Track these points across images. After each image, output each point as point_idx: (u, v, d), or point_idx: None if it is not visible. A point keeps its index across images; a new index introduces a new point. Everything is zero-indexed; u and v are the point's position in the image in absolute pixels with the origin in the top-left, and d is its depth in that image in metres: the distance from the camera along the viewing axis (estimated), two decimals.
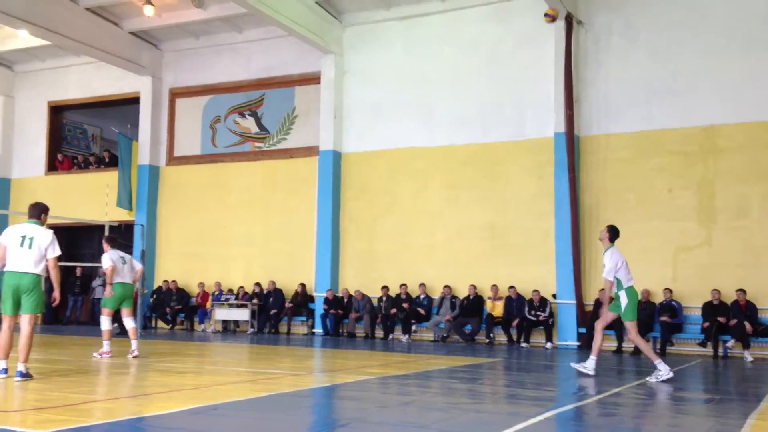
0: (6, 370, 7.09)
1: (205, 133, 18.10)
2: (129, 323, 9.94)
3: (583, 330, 13.62)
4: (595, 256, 14.02)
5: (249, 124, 17.70)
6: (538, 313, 13.88)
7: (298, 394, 6.82)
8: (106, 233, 17.50)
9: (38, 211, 7.40)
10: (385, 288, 15.31)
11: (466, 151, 15.31)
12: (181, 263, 17.71)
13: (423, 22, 15.86)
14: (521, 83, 14.92)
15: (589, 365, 8.52)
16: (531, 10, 14.72)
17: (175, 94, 18.50)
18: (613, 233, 8.63)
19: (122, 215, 18.20)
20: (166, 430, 5.07)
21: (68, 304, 18.80)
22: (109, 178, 18.55)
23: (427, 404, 6.43)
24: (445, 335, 14.69)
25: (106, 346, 9.72)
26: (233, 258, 17.39)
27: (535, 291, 14.01)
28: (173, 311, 17.20)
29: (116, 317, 10.49)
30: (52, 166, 19.91)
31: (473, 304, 14.44)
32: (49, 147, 19.95)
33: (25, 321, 7.15)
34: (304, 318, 16.33)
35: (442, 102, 15.59)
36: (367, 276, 15.86)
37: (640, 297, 9.49)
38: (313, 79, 16.79)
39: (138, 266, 10.28)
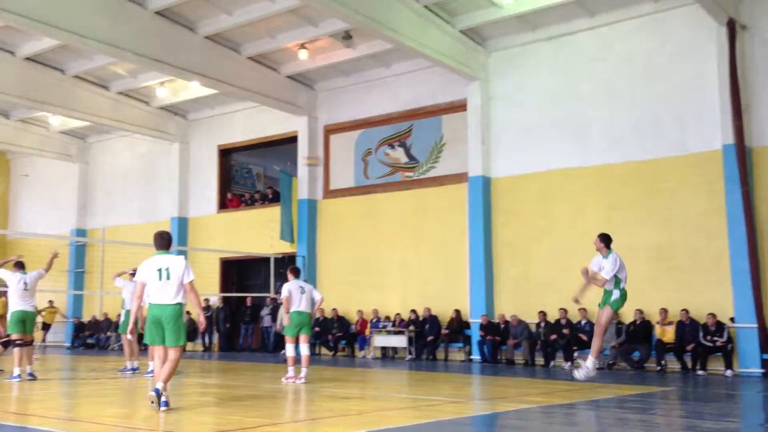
0: (164, 400, 7.02)
1: (358, 166, 18.76)
2: (304, 350, 10.41)
3: (767, 356, 12.44)
4: None
5: (399, 154, 18.12)
6: (715, 338, 12.87)
7: (459, 422, 6.80)
8: (272, 265, 18.72)
9: (167, 242, 7.40)
10: (542, 313, 14.91)
11: (624, 170, 14.66)
12: (340, 292, 18.34)
13: (571, 41, 15.51)
14: (681, 95, 14.11)
15: (591, 367, 9.24)
16: (687, 19, 13.95)
17: (329, 130, 19.38)
18: (607, 240, 9.37)
19: (285, 247, 19.26)
20: None
21: (240, 332, 20.11)
22: (273, 213, 19.73)
23: None
24: (611, 362, 14.00)
25: (290, 371, 10.31)
26: (389, 286, 17.75)
27: (710, 314, 13.02)
28: (335, 338, 17.82)
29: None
30: (223, 204, 21.51)
31: (641, 330, 13.67)
32: (220, 187, 21.60)
33: (171, 353, 7.16)
34: (460, 344, 16.28)
35: (596, 120, 15.10)
36: (523, 301, 15.54)
37: None
38: (460, 106, 16.92)
39: (318, 296, 10.70)
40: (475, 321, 15.82)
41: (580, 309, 14.51)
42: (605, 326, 9.39)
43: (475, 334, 15.75)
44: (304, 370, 10.26)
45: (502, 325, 15.43)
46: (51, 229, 24.20)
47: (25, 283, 10.74)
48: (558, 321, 14.64)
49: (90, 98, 19.53)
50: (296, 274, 10.64)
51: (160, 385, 6.94)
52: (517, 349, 15.11)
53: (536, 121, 15.80)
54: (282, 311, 10.77)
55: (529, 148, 15.84)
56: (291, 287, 10.33)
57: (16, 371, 10.51)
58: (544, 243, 15.48)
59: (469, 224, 16.31)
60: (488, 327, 15.44)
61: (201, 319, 7.44)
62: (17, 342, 10.63)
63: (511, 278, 15.84)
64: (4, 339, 11.60)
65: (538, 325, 14.98)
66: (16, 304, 10.67)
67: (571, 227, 15.12)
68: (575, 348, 14.31)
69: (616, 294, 9.21)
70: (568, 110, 15.41)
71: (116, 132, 22.82)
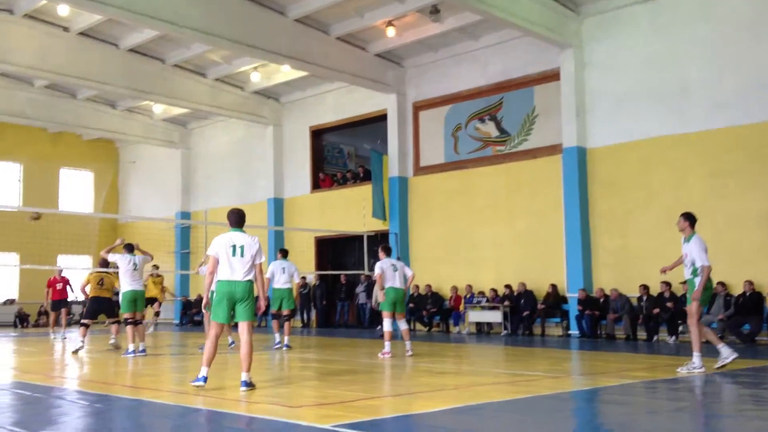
0: (206, 378, 7.07)
1: (448, 141, 18.63)
2: (403, 325, 10.82)
3: None
4: None
5: (489, 128, 17.84)
6: None
7: (558, 397, 6.70)
8: (365, 243, 18.98)
9: (242, 219, 7.38)
10: (644, 287, 14.41)
11: (729, 135, 13.84)
12: (433, 268, 18.37)
13: (669, 2, 14.69)
14: None
15: (697, 363, 8.26)
16: None
17: (418, 107, 19.32)
18: (693, 220, 8.73)
19: (377, 225, 19.46)
20: (431, 428, 5.32)
21: (336, 308, 20.58)
22: (365, 191, 19.95)
23: (703, 411, 5.92)
24: (719, 336, 13.36)
25: (387, 346, 10.53)
26: (482, 261, 17.62)
27: None
28: (429, 314, 17.93)
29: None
30: (316, 184, 21.95)
31: (750, 302, 12.97)
32: (313, 167, 22.04)
33: (245, 329, 7.11)
34: (557, 319, 15.99)
35: (697, 85, 14.30)
36: (622, 274, 15.05)
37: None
38: (552, 76, 16.44)
39: (409, 273, 10.95)
40: (573, 295, 15.49)
41: (683, 281, 13.93)
42: (698, 316, 8.53)
43: (573, 308, 15.43)
44: (408, 344, 10.65)
45: (601, 300, 15.04)
46: (158, 213, 25.59)
47: (135, 264, 11.38)
48: (661, 294, 14.11)
49: (189, 86, 20.33)
50: (388, 252, 10.93)
51: (245, 377, 6.93)
52: (617, 324, 14.70)
53: (633, 88, 15.14)
54: (377, 288, 11.01)
55: (626, 116, 15.23)
56: (383, 265, 10.64)
57: (131, 347, 11.20)
58: (644, 214, 14.90)
59: (565, 197, 15.91)
60: (587, 301, 15.09)
61: (261, 303, 7.34)
62: (128, 320, 11.30)
63: (610, 251, 15.37)
64: (85, 321, 12.25)
65: (639, 298, 14.50)
66: (127, 284, 11.32)
67: (672, 197, 14.47)
68: (680, 321, 13.75)
69: (698, 283, 8.56)
70: (667, 75, 14.68)
71: (214, 117, 23.66)
